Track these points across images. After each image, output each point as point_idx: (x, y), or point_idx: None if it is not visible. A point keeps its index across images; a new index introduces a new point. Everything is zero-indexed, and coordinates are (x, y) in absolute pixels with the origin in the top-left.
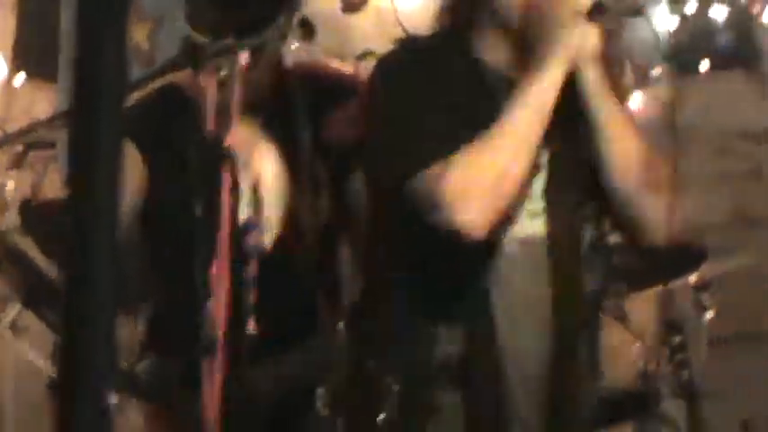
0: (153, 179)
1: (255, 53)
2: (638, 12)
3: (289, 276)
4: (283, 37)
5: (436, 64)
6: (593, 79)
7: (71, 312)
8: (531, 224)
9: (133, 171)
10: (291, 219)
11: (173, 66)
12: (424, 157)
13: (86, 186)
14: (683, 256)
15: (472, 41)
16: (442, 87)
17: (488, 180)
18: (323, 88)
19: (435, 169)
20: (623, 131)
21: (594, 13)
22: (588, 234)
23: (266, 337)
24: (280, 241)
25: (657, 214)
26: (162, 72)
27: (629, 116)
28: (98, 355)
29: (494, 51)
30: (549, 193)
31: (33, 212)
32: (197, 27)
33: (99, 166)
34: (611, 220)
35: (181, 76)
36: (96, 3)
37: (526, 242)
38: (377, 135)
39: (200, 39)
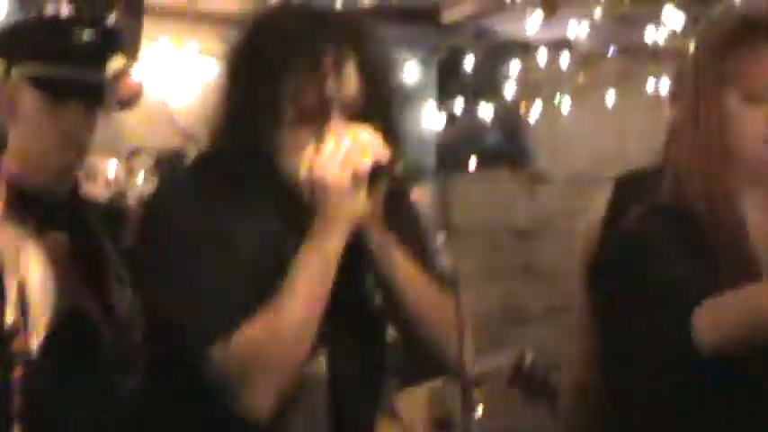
0: None
1: None
2: (415, 178)
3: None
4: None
5: (208, 199)
6: (376, 239)
7: None
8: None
9: None
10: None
11: None
12: (204, 330)
13: None
14: None
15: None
16: (219, 222)
17: (271, 364)
18: None
19: (218, 350)
20: (417, 287)
21: (374, 178)
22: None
23: None
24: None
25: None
26: None
27: (421, 265)
28: None
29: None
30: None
31: None
32: None
33: None
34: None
35: None
36: None
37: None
38: (153, 293)
39: None
